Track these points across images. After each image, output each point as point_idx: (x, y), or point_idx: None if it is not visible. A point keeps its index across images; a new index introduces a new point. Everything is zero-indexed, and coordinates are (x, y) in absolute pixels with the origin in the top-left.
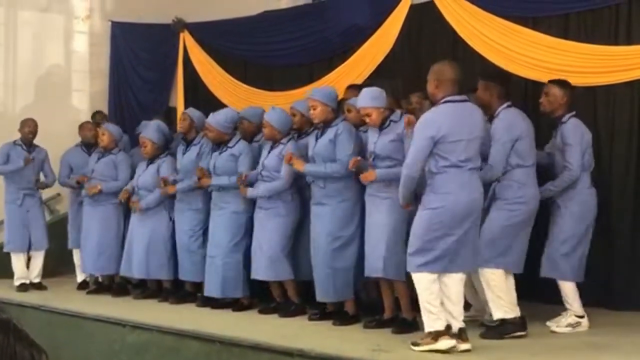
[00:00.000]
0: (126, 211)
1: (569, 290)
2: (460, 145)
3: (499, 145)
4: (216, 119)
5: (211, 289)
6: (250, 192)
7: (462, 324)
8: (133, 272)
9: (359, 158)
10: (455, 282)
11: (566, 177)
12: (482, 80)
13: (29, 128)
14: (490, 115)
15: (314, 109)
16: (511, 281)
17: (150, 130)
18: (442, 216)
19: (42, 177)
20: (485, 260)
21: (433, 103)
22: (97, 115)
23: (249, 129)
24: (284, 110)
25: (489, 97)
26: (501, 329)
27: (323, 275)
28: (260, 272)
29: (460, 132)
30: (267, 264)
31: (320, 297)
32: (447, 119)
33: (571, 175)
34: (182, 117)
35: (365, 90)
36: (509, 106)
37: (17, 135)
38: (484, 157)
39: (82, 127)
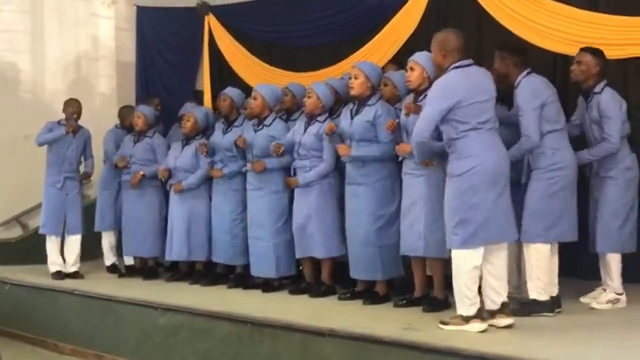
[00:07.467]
0: (167, 193)
1: (614, 265)
2: (476, 108)
3: (529, 113)
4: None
5: (263, 271)
6: (303, 180)
7: (505, 299)
8: (174, 254)
9: (397, 120)
10: (501, 259)
11: (606, 149)
12: (498, 50)
13: (73, 108)
14: (511, 86)
15: (356, 79)
16: (555, 259)
17: (200, 111)
18: (472, 180)
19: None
20: (535, 235)
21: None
22: (151, 101)
23: (291, 104)
24: (329, 86)
25: (505, 68)
26: (530, 308)
27: (368, 254)
28: (314, 249)
29: (475, 95)
30: (321, 242)
31: (366, 277)
32: (459, 85)
33: (611, 147)
34: (222, 98)
35: (428, 53)
36: (529, 73)
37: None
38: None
39: (121, 111)
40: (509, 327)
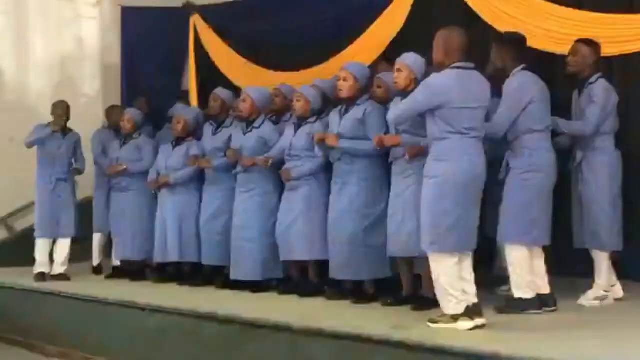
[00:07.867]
0: (156, 195)
1: (603, 262)
2: (465, 113)
3: (507, 105)
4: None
5: (247, 273)
6: (297, 173)
7: (475, 300)
8: (168, 255)
9: (382, 135)
10: (468, 263)
11: (579, 128)
12: (495, 44)
13: (62, 110)
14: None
15: (345, 81)
16: (538, 258)
17: (190, 112)
18: (447, 184)
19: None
20: (512, 235)
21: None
22: (139, 101)
23: (282, 105)
24: (317, 88)
25: (502, 61)
26: (515, 306)
27: (353, 254)
28: (297, 252)
29: (466, 99)
30: (306, 244)
31: (351, 276)
32: (453, 85)
33: (585, 128)
34: (213, 98)
35: (415, 54)
36: (523, 69)
37: (33, 123)
38: None
39: (108, 111)
40: (482, 325)
